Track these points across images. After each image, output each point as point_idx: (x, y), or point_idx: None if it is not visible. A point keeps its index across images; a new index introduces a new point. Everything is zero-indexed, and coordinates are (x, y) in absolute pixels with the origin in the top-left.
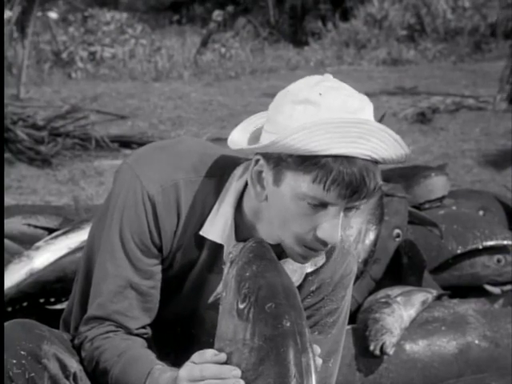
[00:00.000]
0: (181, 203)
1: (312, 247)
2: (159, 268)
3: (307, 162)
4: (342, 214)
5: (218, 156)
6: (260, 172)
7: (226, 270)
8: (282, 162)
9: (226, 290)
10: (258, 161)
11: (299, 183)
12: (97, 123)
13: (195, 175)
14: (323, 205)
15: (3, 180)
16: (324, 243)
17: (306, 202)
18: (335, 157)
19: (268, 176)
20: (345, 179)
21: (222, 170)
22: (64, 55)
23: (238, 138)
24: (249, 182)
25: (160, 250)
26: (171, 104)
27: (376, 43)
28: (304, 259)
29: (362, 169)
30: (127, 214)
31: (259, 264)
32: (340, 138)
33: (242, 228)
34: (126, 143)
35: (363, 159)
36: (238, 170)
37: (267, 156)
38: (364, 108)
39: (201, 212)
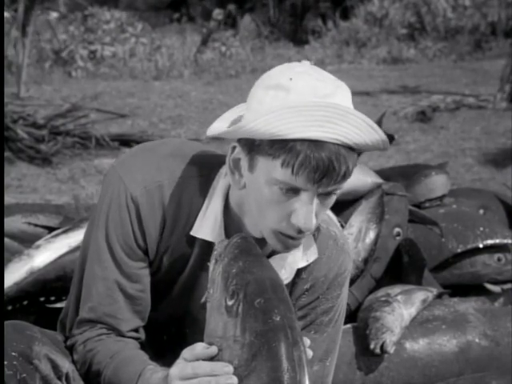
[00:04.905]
0: (166, 204)
1: (288, 234)
2: (147, 271)
3: (276, 146)
4: (315, 200)
5: (203, 155)
6: (238, 159)
7: (211, 267)
8: (255, 147)
9: (212, 288)
10: (234, 148)
11: (270, 168)
12: (97, 122)
13: (181, 176)
14: (295, 190)
15: (3, 179)
16: (299, 230)
17: (278, 188)
18: (303, 141)
19: (244, 163)
20: (311, 163)
21: (208, 169)
22: (64, 54)
23: (218, 126)
24: (227, 171)
25: (146, 252)
26: (171, 103)
27: (376, 42)
28: (284, 248)
29: (331, 153)
30: (112, 216)
31: (245, 260)
32: (306, 122)
33: (230, 224)
34: (126, 142)
35: (334, 144)
36: (224, 169)
37: (242, 142)
38: (335, 93)
39: (187, 212)
